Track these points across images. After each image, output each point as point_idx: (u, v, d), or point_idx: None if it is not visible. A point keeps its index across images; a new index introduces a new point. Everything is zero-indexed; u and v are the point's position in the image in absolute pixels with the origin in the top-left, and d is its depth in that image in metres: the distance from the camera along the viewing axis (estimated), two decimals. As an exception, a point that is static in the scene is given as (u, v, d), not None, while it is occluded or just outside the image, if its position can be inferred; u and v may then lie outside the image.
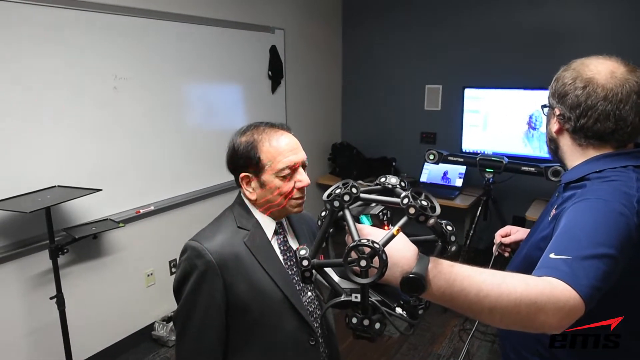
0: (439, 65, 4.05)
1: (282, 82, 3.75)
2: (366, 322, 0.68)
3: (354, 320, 0.68)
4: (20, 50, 2.13)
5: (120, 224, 2.42)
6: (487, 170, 3.30)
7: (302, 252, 0.74)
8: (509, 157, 3.32)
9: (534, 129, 3.46)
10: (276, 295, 1.15)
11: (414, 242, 0.73)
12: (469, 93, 3.70)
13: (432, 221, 0.68)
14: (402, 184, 0.81)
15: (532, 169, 3.08)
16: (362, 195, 0.75)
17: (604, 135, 0.99)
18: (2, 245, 2.17)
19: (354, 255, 0.65)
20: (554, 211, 1.04)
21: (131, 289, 2.83)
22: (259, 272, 1.14)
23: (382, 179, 0.83)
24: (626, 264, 0.84)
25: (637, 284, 0.94)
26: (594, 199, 0.90)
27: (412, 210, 0.67)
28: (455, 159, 3.39)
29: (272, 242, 1.20)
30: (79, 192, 2.19)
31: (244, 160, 1.15)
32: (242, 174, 1.17)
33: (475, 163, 3.28)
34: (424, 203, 0.67)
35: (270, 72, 3.63)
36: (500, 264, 1.18)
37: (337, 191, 0.74)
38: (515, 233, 1.36)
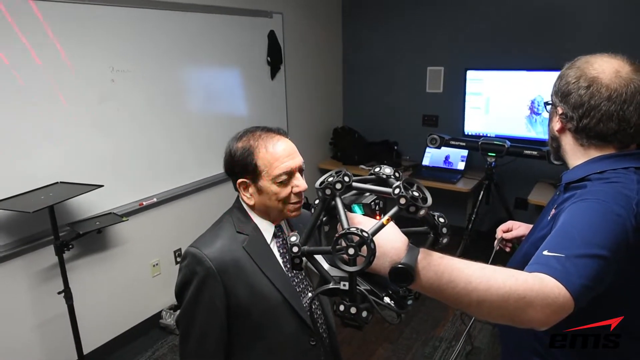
0: (441, 46, 3.98)
1: (281, 67, 3.70)
2: (353, 310, 0.68)
3: (342, 307, 0.69)
4: (15, 45, 2.10)
5: (124, 218, 2.43)
6: (490, 154, 3.28)
7: (293, 239, 0.75)
8: (512, 139, 3.29)
9: (537, 114, 3.42)
10: (276, 298, 1.17)
11: (406, 233, 0.73)
12: (471, 75, 3.65)
13: (422, 212, 0.68)
14: (397, 174, 0.82)
15: (535, 152, 3.06)
16: (354, 184, 0.75)
17: (607, 136, 0.98)
18: (9, 242, 2.19)
19: (343, 243, 0.65)
20: (553, 210, 1.03)
21: (137, 279, 2.87)
22: (258, 276, 1.16)
23: (377, 169, 0.83)
24: (624, 265, 0.84)
25: (637, 284, 0.94)
26: (592, 199, 0.90)
27: (402, 201, 0.67)
28: (457, 143, 3.37)
29: (272, 246, 1.21)
30: (81, 189, 2.19)
31: (240, 167, 1.16)
32: (240, 180, 1.18)
33: (478, 147, 3.26)
34: (415, 194, 0.67)
35: (269, 58, 3.58)
36: (501, 260, 1.18)
37: (330, 179, 0.74)
38: (517, 228, 1.35)
